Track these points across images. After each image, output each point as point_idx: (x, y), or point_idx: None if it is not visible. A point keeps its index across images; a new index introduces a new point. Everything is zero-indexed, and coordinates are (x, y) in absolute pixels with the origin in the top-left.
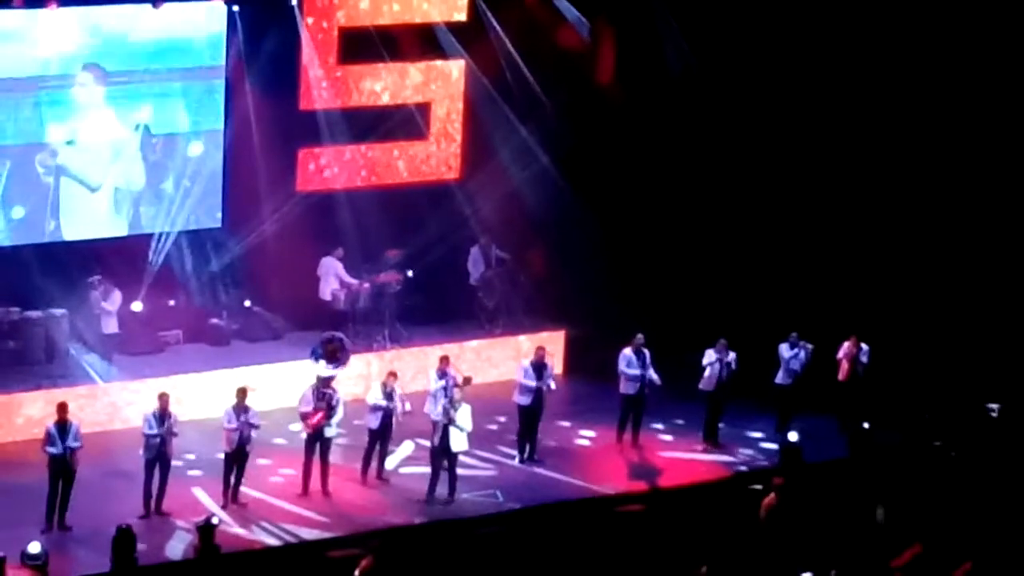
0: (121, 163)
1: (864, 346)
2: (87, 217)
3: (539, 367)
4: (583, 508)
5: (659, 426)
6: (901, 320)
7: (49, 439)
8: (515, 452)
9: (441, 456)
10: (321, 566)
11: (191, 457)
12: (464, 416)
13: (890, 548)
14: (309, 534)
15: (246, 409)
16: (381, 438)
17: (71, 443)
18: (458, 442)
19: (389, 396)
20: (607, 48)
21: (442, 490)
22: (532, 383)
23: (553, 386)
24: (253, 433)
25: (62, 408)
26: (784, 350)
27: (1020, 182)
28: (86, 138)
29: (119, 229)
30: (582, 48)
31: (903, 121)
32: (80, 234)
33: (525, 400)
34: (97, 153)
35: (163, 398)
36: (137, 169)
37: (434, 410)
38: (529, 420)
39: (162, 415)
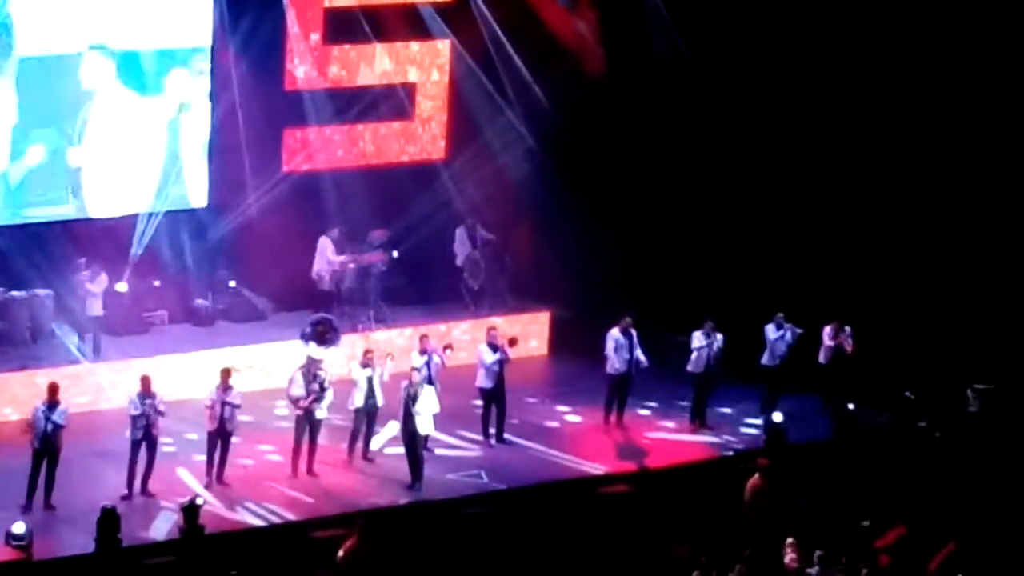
0: (113, 142)
1: (847, 328)
2: (91, 195)
3: (494, 347)
4: (568, 488)
5: (648, 406)
6: (886, 301)
7: (36, 415)
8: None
9: (408, 439)
10: (305, 546)
11: (180, 438)
12: (426, 400)
13: (874, 528)
14: (294, 514)
15: (228, 389)
16: (367, 417)
17: (57, 420)
18: (424, 425)
19: (366, 366)
20: (594, 34)
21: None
22: (495, 367)
23: (510, 355)
24: (236, 413)
25: (54, 389)
26: (770, 331)
27: (1006, 165)
28: (92, 118)
29: (108, 209)
30: (569, 29)
31: (888, 104)
32: (81, 212)
33: (488, 383)
34: (99, 133)
35: (145, 379)
36: (126, 148)
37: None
38: (492, 402)
39: (145, 395)
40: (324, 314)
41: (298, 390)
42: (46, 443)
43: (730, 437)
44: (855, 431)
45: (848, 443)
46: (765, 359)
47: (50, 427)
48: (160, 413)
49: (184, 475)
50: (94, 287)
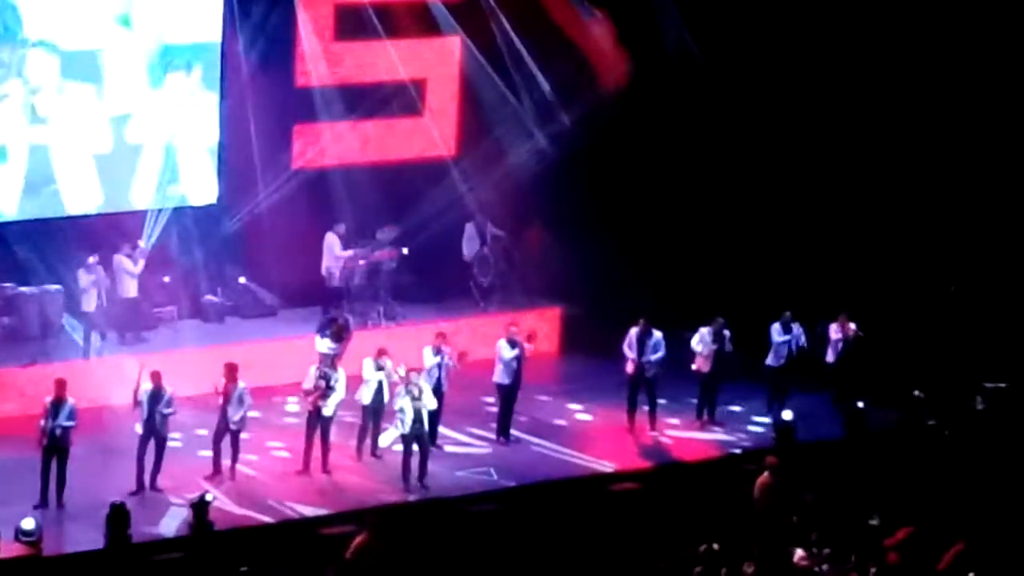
0: (122, 137)
1: (852, 324)
2: (88, 191)
3: (513, 343)
4: (578, 486)
5: (658, 404)
6: (896, 299)
7: (44, 414)
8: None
9: (416, 440)
10: (314, 543)
11: (190, 434)
12: (427, 396)
13: (883, 527)
14: (303, 511)
15: (231, 386)
16: (374, 414)
17: (63, 422)
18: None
19: (380, 369)
20: (614, 44)
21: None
22: (514, 363)
23: (527, 350)
24: (244, 410)
25: (60, 385)
26: (775, 332)
27: (1014, 164)
28: (91, 112)
29: (117, 204)
30: (589, 39)
31: (897, 103)
32: (79, 208)
33: (506, 379)
34: (96, 128)
35: (155, 376)
36: (136, 144)
37: (400, 399)
38: (509, 398)
39: (156, 392)
40: (343, 314)
41: (308, 384)
42: (54, 441)
43: (739, 435)
44: (865, 430)
45: (858, 442)
46: (770, 360)
47: (58, 429)
48: (171, 412)
49: (193, 471)
50: (83, 281)
